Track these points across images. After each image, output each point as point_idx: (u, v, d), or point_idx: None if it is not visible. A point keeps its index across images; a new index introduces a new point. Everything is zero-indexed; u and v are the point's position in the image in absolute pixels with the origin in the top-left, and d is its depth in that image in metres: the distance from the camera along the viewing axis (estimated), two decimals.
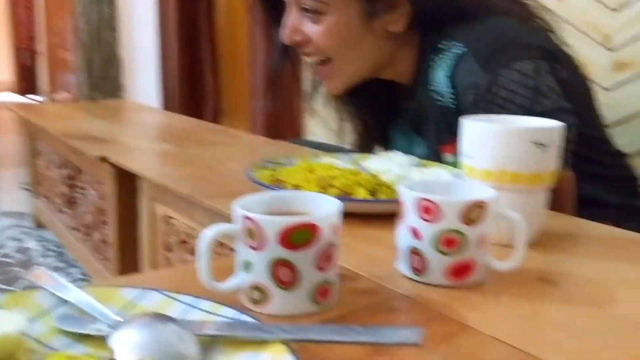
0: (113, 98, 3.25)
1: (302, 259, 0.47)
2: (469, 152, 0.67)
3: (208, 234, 0.48)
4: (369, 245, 0.67)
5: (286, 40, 0.95)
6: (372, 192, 0.77)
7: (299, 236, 0.46)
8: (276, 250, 0.46)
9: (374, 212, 0.74)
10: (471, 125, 0.66)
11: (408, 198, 0.55)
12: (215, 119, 3.32)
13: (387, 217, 0.68)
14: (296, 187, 0.78)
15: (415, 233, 0.54)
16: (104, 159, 1.17)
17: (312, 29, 0.93)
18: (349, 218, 0.58)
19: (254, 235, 0.47)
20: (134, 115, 1.78)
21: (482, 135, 0.65)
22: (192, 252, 0.96)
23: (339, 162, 0.96)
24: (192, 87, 3.31)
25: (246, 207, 0.48)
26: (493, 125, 0.65)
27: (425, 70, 0.93)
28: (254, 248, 0.47)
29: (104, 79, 3.17)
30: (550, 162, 0.65)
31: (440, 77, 0.89)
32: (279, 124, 2.69)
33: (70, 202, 1.54)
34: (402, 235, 0.56)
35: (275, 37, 0.99)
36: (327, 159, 0.99)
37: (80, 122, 1.58)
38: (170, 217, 1.02)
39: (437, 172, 0.86)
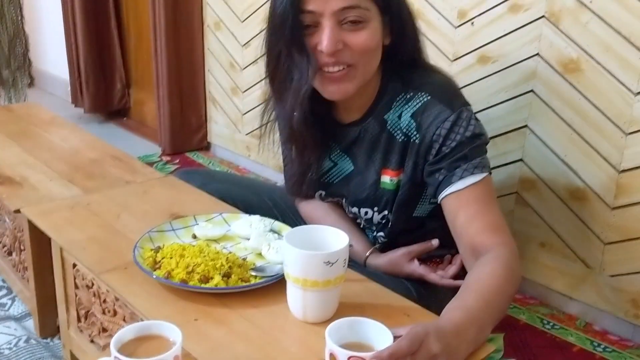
0: (21, 74, 3.33)
1: None
2: (287, 263, 0.96)
3: None
4: (217, 328, 0.96)
5: (330, 49, 1.07)
6: (227, 275, 1.06)
7: None
8: None
9: (225, 292, 1.04)
10: (287, 248, 0.95)
11: (341, 354, 0.77)
12: (124, 89, 3.47)
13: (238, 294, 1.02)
14: (169, 273, 1.06)
15: None
16: (18, 211, 1.39)
17: (354, 37, 1.08)
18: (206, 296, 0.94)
19: None
20: (42, 134, 1.96)
21: (293, 255, 0.94)
22: (96, 295, 1.22)
23: (209, 230, 1.24)
24: (100, 59, 3.42)
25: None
26: (299, 250, 0.94)
27: (382, 106, 1.20)
28: None
29: (11, 56, 3.23)
30: (337, 271, 0.95)
31: (404, 118, 1.18)
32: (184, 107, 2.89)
33: None
34: None
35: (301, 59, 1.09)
36: (202, 225, 1.26)
37: None
38: (77, 264, 1.27)
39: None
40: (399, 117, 1.19)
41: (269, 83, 1.20)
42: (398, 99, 1.19)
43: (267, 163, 2.59)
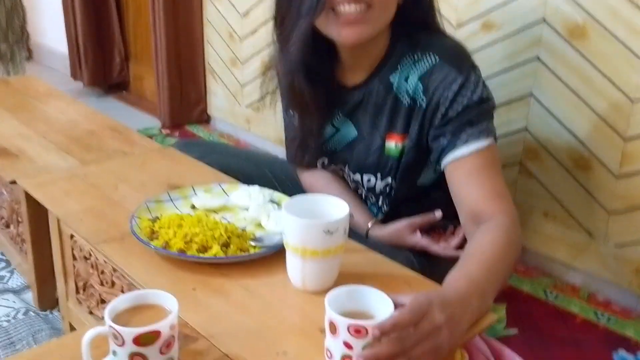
0: (19, 48, 3.28)
1: (150, 351, 0.74)
2: (286, 232, 0.94)
3: (87, 335, 0.74)
4: (215, 298, 0.95)
5: None
6: (225, 245, 1.05)
7: (147, 338, 0.73)
8: (132, 348, 0.73)
9: (224, 262, 1.02)
10: (286, 216, 0.93)
11: (341, 322, 0.75)
12: (122, 62, 3.43)
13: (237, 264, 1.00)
14: (166, 242, 1.04)
15: (348, 346, 0.75)
16: (14, 182, 1.37)
17: None
18: (205, 266, 0.93)
19: (117, 337, 0.73)
20: (39, 107, 1.93)
21: (292, 224, 0.92)
22: (94, 266, 1.21)
23: (208, 200, 1.22)
24: (99, 32, 3.38)
25: None
26: (298, 219, 0.92)
27: (388, 67, 1.18)
28: (118, 345, 0.74)
29: (9, 29, 3.19)
30: (337, 241, 0.93)
31: (411, 81, 1.15)
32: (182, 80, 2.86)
33: None
34: (336, 346, 0.76)
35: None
36: (201, 195, 1.24)
37: None
38: (74, 235, 1.26)
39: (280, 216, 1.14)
40: (406, 79, 1.16)
41: (275, 29, 1.17)
42: (405, 60, 1.16)
43: (267, 136, 2.56)
